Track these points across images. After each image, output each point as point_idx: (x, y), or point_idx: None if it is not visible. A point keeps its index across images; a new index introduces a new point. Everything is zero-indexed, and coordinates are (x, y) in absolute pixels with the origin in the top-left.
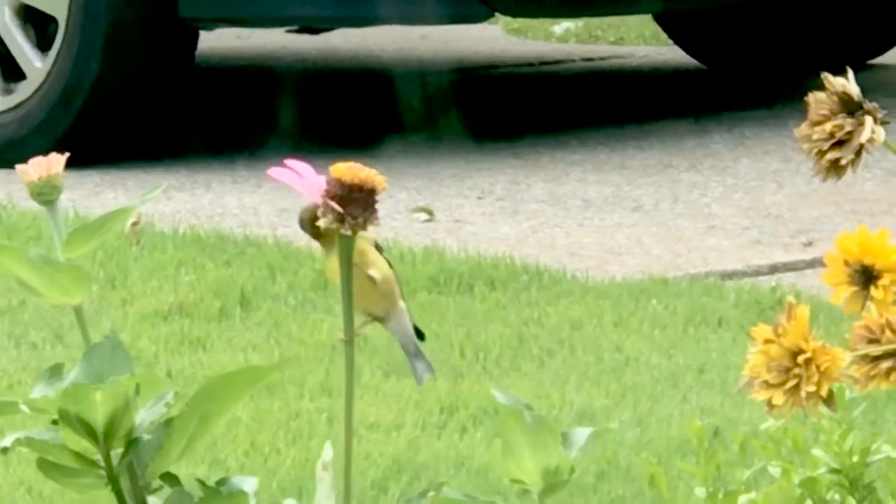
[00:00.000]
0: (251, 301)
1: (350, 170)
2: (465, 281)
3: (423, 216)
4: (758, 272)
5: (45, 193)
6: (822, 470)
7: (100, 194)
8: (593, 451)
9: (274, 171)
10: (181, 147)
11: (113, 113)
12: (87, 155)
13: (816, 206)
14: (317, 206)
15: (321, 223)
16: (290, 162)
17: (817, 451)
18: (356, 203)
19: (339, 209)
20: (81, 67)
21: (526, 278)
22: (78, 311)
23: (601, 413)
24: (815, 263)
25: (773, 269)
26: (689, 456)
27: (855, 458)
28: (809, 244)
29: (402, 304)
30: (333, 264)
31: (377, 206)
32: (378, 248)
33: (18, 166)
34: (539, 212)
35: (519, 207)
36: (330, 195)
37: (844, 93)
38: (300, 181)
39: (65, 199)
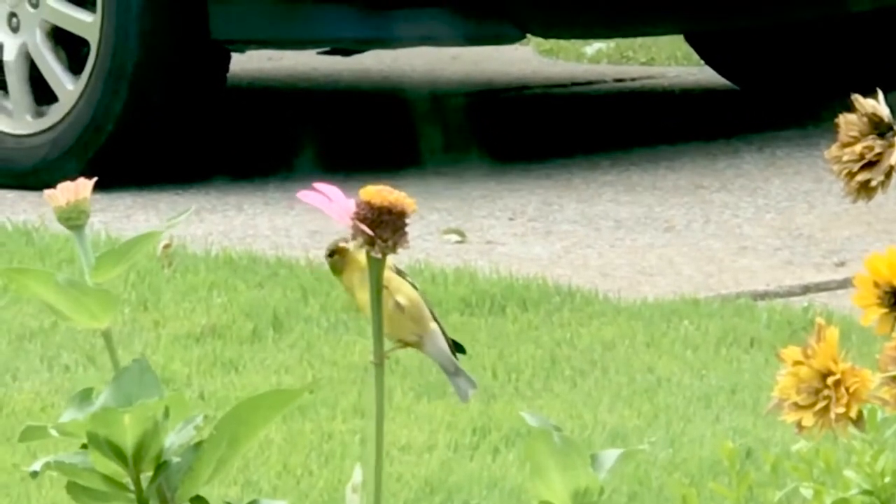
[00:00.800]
0: (284, 323)
1: (379, 193)
2: (497, 302)
3: (455, 238)
4: (790, 293)
5: (73, 218)
6: (854, 491)
7: (131, 216)
8: (623, 472)
9: (303, 195)
10: (213, 169)
11: (144, 135)
12: (118, 177)
13: (848, 226)
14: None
15: (351, 246)
16: (319, 185)
17: (849, 473)
18: (386, 226)
19: (369, 232)
20: (113, 90)
21: (558, 299)
22: (106, 335)
23: (634, 434)
24: (847, 284)
25: (805, 290)
26: (721, 477)
27: (887, 479)
28: (842, 264)
29: (433, 325)
30: (363, 296)
31: (407, 228)
32: (399, 272)
33: (46, 191)
34: (571, 233)
35: (551, 228)
36: (360, 218)
37: (874, 114)
38: (329, 205)
39: (97, 222)
